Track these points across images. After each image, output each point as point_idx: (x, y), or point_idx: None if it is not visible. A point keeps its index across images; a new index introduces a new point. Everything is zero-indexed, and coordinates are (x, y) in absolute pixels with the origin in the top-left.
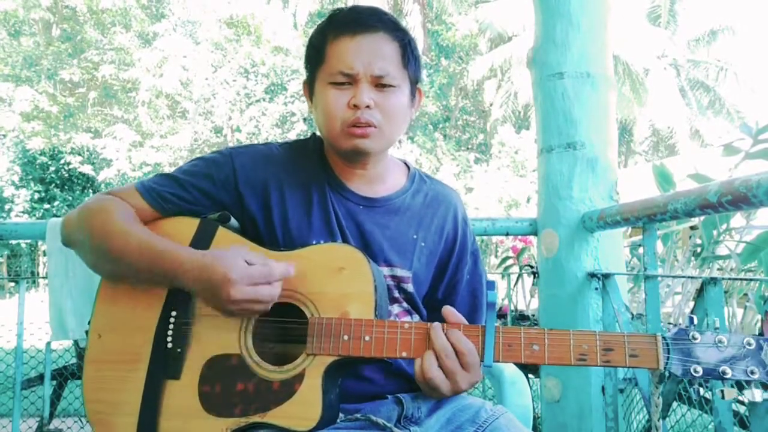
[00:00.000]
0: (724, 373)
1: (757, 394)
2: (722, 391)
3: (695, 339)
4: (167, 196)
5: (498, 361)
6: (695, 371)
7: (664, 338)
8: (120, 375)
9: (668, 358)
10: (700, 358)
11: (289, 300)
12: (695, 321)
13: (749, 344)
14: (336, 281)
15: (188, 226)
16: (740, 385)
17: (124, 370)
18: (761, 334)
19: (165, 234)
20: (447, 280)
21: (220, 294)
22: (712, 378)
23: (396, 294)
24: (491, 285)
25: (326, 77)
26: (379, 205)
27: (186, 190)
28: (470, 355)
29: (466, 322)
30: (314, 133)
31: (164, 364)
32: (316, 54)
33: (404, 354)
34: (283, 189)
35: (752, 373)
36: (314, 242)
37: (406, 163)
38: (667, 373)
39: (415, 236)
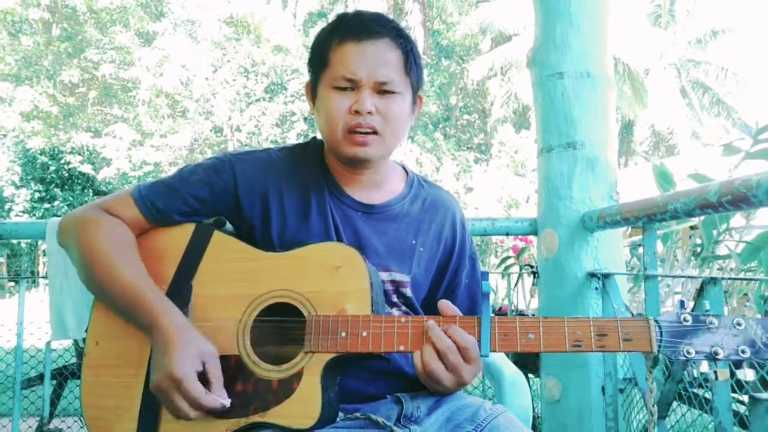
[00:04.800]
0: (716, 353)
1: (748, 374)
2: (715, 372)
3: (687, 321)
4: (163, 209)
5: (495, 351)
6: (688, 353)
7: (656, 321)
8: (118, 381)
9: (661, 341)
10: (693, 340)
11: (286, 300)
12: (686, 305)
13: (739, 325)
14: (332, 280)
15: (184, 231)
16: (740, 386)
17: (123, 376)
18: None
19: (161, 240)
20: (446, 285)
21: (158, 373)
22: (704, 358)
23: (395, 299)
24: (485, 276)
25: (329, 81)
26: (378, 212)
27: (184, 200)
28: (473, 349)
29: (461, 314)
30: (314, 137)
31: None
32: (320, 57)
33: (402, 348)
34: (282, 195)
35: (743, 352)
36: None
37: (404, 168)
38: (662, 359)
39: (414, 242)
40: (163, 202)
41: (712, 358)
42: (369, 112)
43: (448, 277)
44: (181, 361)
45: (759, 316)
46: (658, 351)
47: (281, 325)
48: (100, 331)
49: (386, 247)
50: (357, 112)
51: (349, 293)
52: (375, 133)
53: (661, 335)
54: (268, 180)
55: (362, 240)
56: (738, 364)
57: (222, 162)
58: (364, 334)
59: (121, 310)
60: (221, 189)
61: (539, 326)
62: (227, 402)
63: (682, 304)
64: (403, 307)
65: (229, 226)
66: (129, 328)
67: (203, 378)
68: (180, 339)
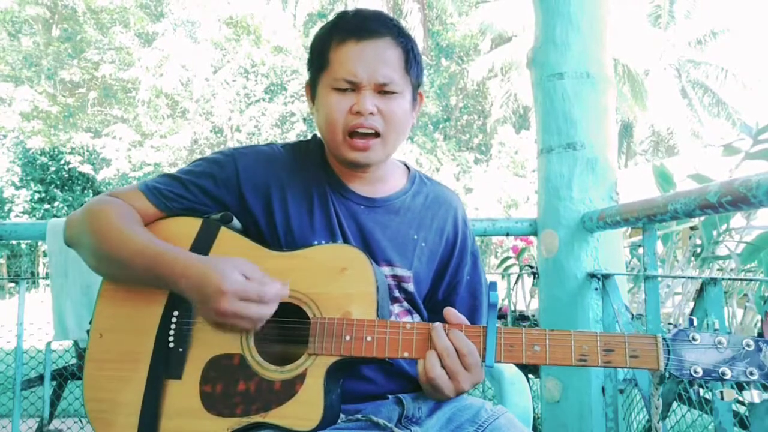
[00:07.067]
0: (723, 374)
1: (755, 395)
2: (722, 392)
3: (695, 340)
4: (170, 195)
5: (499, 362)
6: (695, 372)
7: (664, 339)
8: (121, 375)
9: (668, 359)
10: (700, 359)
11: (291, 300)
12: (695, 323)
13: (748, 345)
14: (338, 281)
15: (191, 226)
16: (740, 386)
17: (125, 370)
18: (761, 334)
19: (168, 234)
20: (447, 281)
21: (211, 304)
22: (711, 379)
23: (397, 294)
24: (493, 286)
25: (329, 82)
26: (380, 205)
27: (188, 190)
28: (471, 355)
29: (468, 323)
30: (315, 134)
31: (165, 363)
32: (319, 58)
33: (406, 354)
34: (284, 190)
35: (751, 374)
36: (316, 242)
37: (406, 165)
38: (667, 374)
39: (415, 236)
40: (169, 190)
41: (719, 378)
42: (371, 113)
43: (450, 273)
44: (226, 278)
45: (759, 317)
46: (665, 369)
47: (285, 326)
48: (104, 323)
49: (389, 241)
50: (358, 113)
51: (355, 296)
52: (377, 134)
53: (669, 353)
54: (269, 174)
55: (365, 232)
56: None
57: (225, 156)
58: (369, 338)
59: (140, 276)
60: (224, 182)
61: (545, 338)
62: (287, 283)
63: (691, 321)
64: (405, 303)
65: (236, 222)
66: (133, 322)
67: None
68: (211, 265)
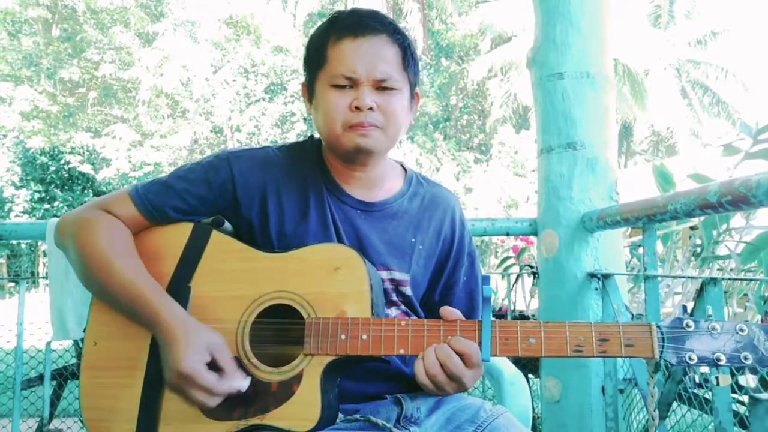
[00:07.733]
0: (718, 359)
1: (750, 380)
2: (717, 378)
3: (689, 327)
4: (161, 207)
5: (495, 355)
6: (690, 359)
7: (658, 327)
8: (117, 381)
9: (663, 347)
10: (695, 345)
11: (285, 301)
12: (688, 310)
13: (741, 330)
14: (332, 281)
15: (182, 231)
16: (739, 387)
17: (121, 377)
18: None
19: (159, 240)
20: (444, 282)
21: (167, 369)
22: (706, 365)
23: (394, 297)
24: (486, 280)
25: (327, 79)
26: (377, 209)
27: (182, 199)
28: (476, 355)
29: (463, 318)
30: (312, 136)
31: (162, 369)
32: (316, 56)
33: (402, 351)
34: (280, 193)
35: (745, 358)
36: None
37: (403, 166)
38: (663, 362)
39: (413, 240)
40: (160, 200)
41: (714, 364)
42: (370, 108)
43: (446, 274)
44: (187, 356)
45: (759, 317)
46: (660, 357)
47: (280, 327)
48: (98, 331)
49: (386, 245)
50: (357, 108)
51: (349, 295)
52: (377, 127)
53: (663, 341)
54: (265, 178)
55: (362, 238)
56: (740, 370)
57: (220, 159)
58: (364, 337)
59: (122, 309)
60: (219, 186)
61: (540, 331)
62: (245, 383)
63: (684, 309)
64: (403, 306)
65: (227, 225)
66: (127, 328)
67: (214, 367)
68: (183, 333)
